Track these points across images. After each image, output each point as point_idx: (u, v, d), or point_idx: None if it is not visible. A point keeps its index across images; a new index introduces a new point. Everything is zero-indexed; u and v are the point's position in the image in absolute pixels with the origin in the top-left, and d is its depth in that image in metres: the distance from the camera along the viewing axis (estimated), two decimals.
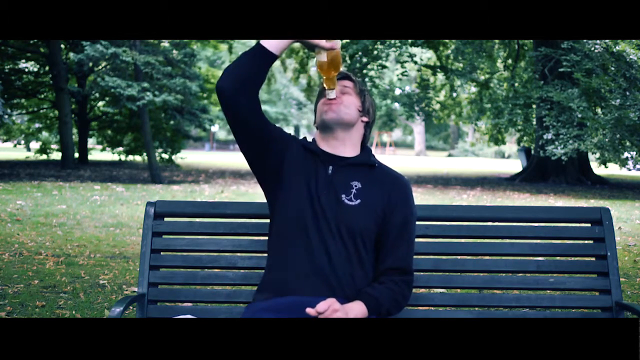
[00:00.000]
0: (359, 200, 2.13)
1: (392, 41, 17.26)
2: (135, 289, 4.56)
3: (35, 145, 24.87)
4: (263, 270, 2.36)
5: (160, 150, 19.25)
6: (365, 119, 2.26)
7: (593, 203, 12.61)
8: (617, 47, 12.30)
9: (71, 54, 16.87)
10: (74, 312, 4.07)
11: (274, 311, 2.04)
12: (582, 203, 12.63)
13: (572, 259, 2.53)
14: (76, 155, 20.53)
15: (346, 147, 2.21)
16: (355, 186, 2.15)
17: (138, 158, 21.76)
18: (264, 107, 50.56)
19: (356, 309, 1.99)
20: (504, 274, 2.50)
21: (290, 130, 59.08)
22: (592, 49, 12.72)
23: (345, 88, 2.23)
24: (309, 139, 2.33)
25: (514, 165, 29.89)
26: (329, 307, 1.88)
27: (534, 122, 17.19)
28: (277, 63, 26.54)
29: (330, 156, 2.19)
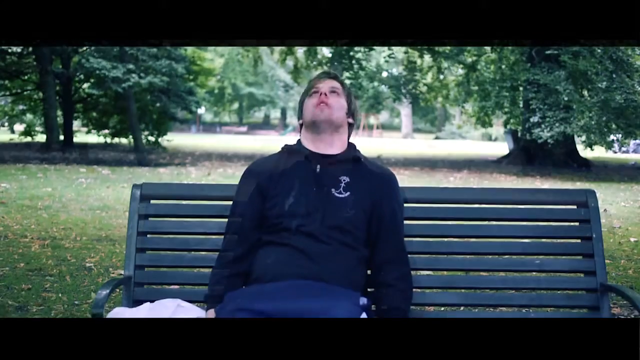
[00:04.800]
0: (348, 193, 2.19)
1: None
2: (122, 272, 4.54)
3: (19, 127, 24.58)
4: None
5: (146, 132, 19.11)
6: (350, 120, 2.35)
7: (579, 185, 12.70)
8: None
9: None
10: (60, 295, 4.05)
11: (259, 295, 2.03)
12: (568, 185, 12.71)
13: (558, 241, 2.54)
14: (61, 137, 20.33)
15: (333, 147, 2.28)
16: (344, 180, 2.22)
17: (124, 140, 21.57)
18: (250, 89, 50.33)
19: None
20: (490, 256, 2.51)
21: (277, 112, 58.97)
22: None
23: (335, 88, 2.31)
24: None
25: (501, 148, 29.98)
26: None
27: (521, 105, 17.22)
28: (264, 47, 26.26)
29: (317, 155, 2.26)
